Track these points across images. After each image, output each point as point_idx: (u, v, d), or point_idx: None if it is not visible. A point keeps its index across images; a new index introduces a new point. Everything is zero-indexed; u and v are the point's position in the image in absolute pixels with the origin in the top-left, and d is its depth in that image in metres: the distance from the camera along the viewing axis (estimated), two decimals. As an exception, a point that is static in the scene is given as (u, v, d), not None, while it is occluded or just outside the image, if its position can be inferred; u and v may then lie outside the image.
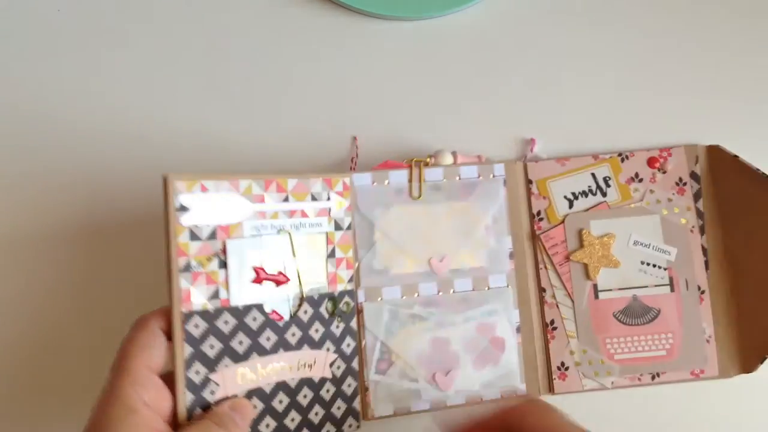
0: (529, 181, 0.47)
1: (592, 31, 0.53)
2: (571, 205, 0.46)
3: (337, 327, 0.41)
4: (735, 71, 0.51)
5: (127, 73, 0.51)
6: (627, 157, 0.47)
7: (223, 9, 0.53)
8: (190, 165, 0.50)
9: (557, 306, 0.45)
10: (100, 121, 0.51)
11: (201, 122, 0.51)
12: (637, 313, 0.45)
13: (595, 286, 0.45)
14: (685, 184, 0.46)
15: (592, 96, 0.52)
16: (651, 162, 0.46)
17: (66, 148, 0.50)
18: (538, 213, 0.46)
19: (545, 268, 0.46)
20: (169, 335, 0.35)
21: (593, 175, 0.46)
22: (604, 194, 0.46)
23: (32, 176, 0.49)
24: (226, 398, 0.36)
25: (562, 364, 0.45)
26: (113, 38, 0.52)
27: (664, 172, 0.46)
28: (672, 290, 0.45)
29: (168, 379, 0.35)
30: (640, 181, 0.46)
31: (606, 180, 0.46)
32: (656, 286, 0.45)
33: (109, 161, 0.50)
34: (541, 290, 0.46)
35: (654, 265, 0.45)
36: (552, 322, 0.45)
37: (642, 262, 0.45)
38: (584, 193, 0.46)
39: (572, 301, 0.45)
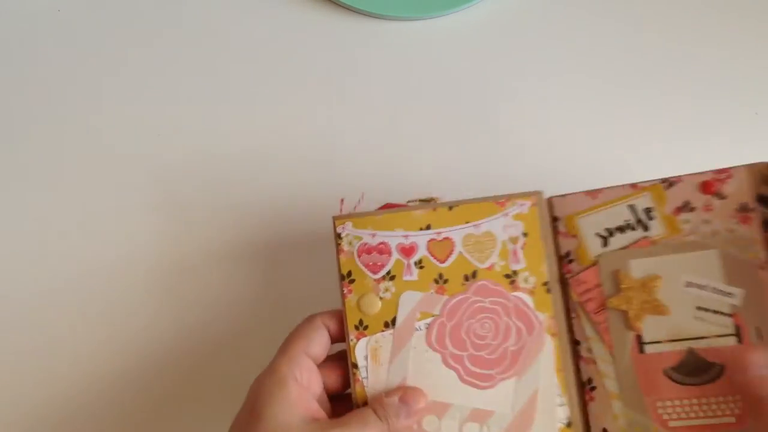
0: (554, 219, 0.39)
1: (600, 31, 0.52)
2: (605, 243, 0.38)
3: None
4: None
5: (126, 71, 0.52)
6: (673, 183, 0.38)
7: (222, 9, 0.54)
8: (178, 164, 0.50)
9: (594, 362, 0.38)
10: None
11: (200, 122, 0.51)
12: (694, 370, 0.36)
13: (638, 337, 0.37)
14: (750, 210, 0.37)
15: (596, 101, 0.50)
16: (705, 187, 0.37)
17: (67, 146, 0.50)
18: (567, 254, 0.39)
19: (578, 317, 0.38)
20: (332, 333, 0.39)
21: (631, 207, 0.38)
22: (645, 228, 0.38)
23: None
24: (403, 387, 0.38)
25: (604, 431, 0.37)
26: (112, 37, 0.53)
27: (723, 198, 0.37)
28: (739, 341, 0.36)
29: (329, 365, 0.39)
30: (692, 210, 0.37)
31: (648, 212, 0.38)
32: (718, 336, 0.36)
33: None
34: (575, 343, 0.38)
35: (714, 311, 0.36)
36: (590, 380, 0.38)
37: (698, 308, 0.37)
38: (621, 229, 0.38)
39: (612, 356, 0.37)
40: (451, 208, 0.39)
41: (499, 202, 0.38)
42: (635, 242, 0.38)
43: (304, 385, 0.37)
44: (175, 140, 0.50)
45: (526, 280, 0.38)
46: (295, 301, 0.48)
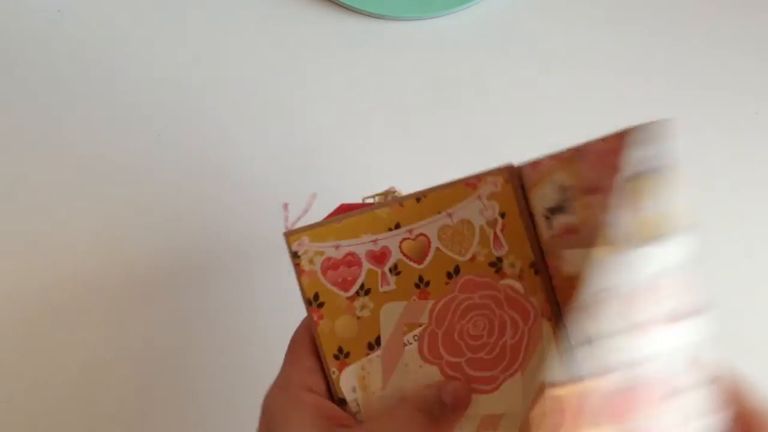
0: (524, 189, 0.35)
1: (600, 31, 0.52)
2: (550, 227, 0.33)
3: None
4: None
5: (125, 71, 0.52)
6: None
7: (222, 9, 0.53)
8: (177, 163, 0.49)
9: None
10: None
11: (196, 122, 0.51)
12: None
13: None
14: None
15: (596, 101, 0.50)
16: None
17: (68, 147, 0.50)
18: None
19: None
20: None
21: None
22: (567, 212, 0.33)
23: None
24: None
25: None
26: (112, 38, 0.53)
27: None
28: None
29: None
30: None
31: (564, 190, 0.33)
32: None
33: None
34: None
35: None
36: None
37: None
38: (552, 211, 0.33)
39: None
40: (419, 199, 0.34)
41: (470, 183, 0.34)
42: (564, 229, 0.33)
43: (318, 390, 0.33)
44: (174, 140, 0.50)
45: (512, 265, 0.34)
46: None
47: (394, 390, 0.34)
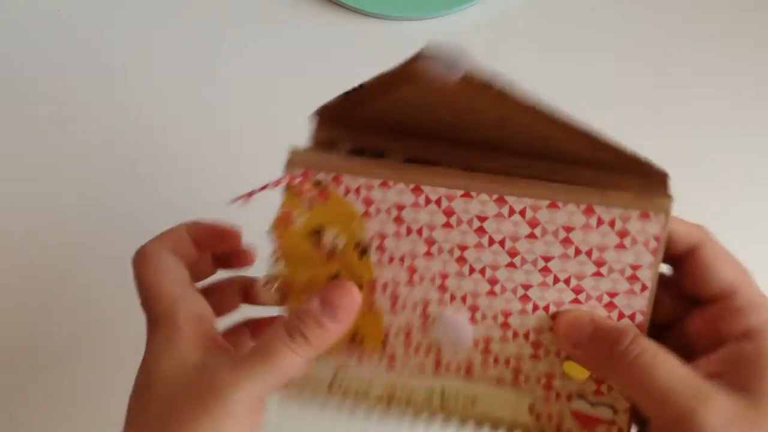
0: None
1: (601, 31, 0.52)
2: None
3: None
4: None
5: (126, 71, 0.52)
6: None
7: (221, 9, 0.53)
8: (178, 165, 0.49)
9: None
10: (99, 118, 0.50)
11: (196, 122, 0.50)
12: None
13: None
14: None
15: (596, 100, 0.49)
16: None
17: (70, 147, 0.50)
18: None
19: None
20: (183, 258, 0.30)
21: None
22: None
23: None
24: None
25: None
26: (112, 38, 0.53)
27: None
28: None
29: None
30: None
31: None
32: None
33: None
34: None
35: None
36: None
37: None
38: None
39: None
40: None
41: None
42: None
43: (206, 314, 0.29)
44: (175, 140, 0.50)
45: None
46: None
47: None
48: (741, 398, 0.24)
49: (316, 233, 0.29)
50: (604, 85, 0.51)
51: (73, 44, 0.53)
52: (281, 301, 0.30)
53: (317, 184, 0.29)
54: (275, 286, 0.30)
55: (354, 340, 0.30)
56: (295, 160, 0.30)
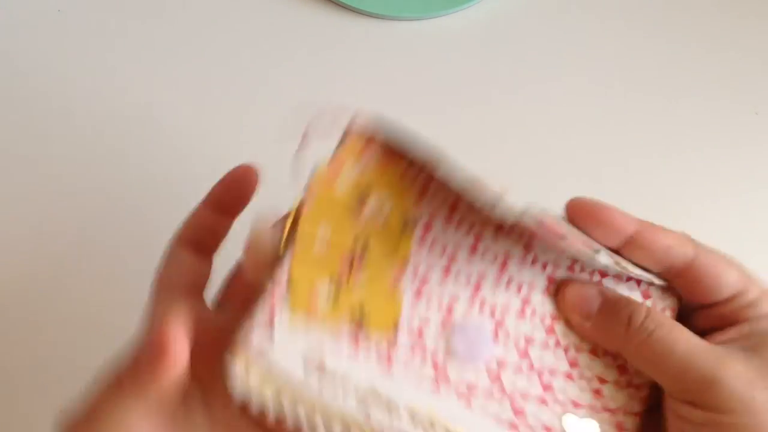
0: None
1: (601, 32, 0.52)
2: None
3: None
4: None
5: (126, 71, 0.52)
6: None
7: (220, 8, 0.53)
8: (179, 166, 0.49)
9: None
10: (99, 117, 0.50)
11: (196, 122, 0.50)
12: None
13: None
14: None
15: (596, 100, 0.50)
16: None
17: (70, 147, 0.49)
18: None
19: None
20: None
21: None
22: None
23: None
24: None
25: None
26: (112, 38, 0.53)
27: None
28: None
29: None
30: None
31: None
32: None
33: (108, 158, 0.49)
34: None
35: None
36: None
37: None
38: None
39: None
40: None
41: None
42: None
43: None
44: (173, 140, 0.50)
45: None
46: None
47: None
48: (759, 358, 0.24)
49: (362, 192, 0.26)
50: (605, 86, 0.51)
51: (73, 44, 0.53)
52: (277, 254, 0.25)
53: (385, 145, 0.26)
54: (287, 226, 0.25)
55: (354, 315, 0.25)
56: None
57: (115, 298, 0.44)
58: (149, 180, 0.50)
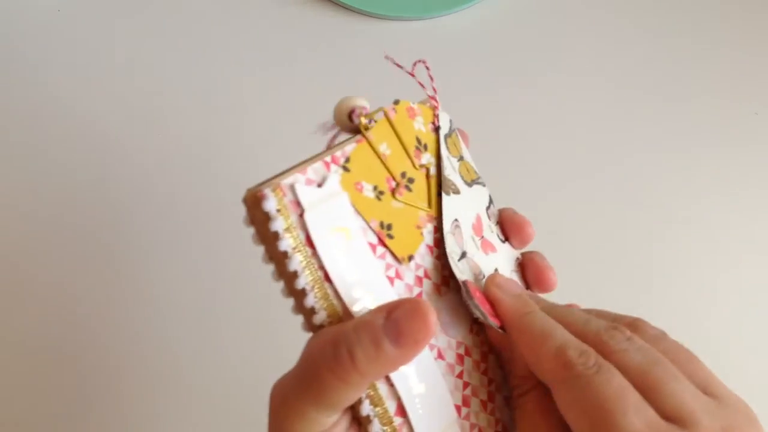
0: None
1: (601, 32, 0.52)
2: None
3: None
4: None
5: (126, 71, 0.52)
6: None
7: (221, 9, 0.54)
8: (179, 165, 0.49)
9: None
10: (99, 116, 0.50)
11: (197, 121, 0.50)
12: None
13: None
14: None
15: (595, 99, 0.50)
16: None
17: (67, 144, 0.49)
18: None
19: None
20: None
21: None
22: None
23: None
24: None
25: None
26: (112, 38, 0.53)
27: None
28: None
29: None
30: None
31: None
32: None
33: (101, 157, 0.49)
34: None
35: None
36: None
37: None
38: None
39: None
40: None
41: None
42: None
43: None
44: (178, 139, 0.50)
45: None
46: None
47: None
48: None
49: (423, 145, 0.30)
50: (605, 85, 0.52)
51: (73, 44, 0.53)
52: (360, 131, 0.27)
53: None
54: (374, 116, 0.28)
55: (383, 226, 0.26)
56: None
57: (115, 297, 0.44)
58: (149, 178, 0.50)
